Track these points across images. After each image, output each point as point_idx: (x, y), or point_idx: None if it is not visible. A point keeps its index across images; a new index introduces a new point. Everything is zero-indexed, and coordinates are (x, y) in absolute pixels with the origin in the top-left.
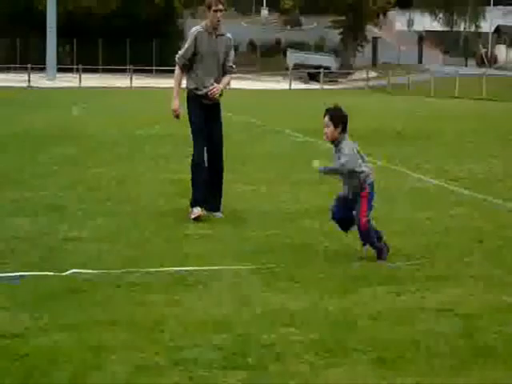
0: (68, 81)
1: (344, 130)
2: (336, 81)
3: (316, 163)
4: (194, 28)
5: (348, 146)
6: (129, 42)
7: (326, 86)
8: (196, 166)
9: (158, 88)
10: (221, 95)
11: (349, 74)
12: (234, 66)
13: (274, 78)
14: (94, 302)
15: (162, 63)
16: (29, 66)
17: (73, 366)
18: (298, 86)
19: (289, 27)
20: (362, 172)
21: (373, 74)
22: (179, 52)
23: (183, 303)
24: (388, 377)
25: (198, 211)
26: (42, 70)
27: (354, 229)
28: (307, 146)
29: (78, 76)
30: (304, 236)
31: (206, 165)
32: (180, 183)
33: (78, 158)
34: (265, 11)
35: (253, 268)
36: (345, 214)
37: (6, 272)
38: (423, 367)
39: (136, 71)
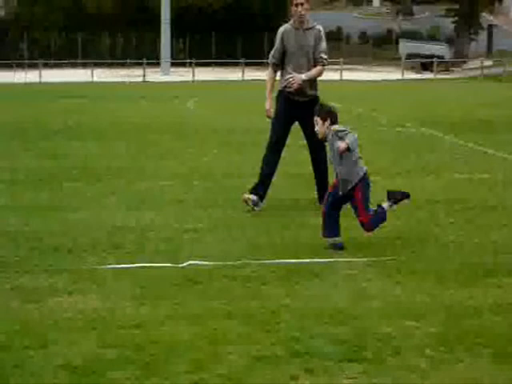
0: (181, 75)
1: (333, 124)
2: (449, 70)
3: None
4: (282, 27)
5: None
6: (241, 35)
7: (439, 76)
8: (265, 158)
9: None
10: (315, 89)
11: (463, 62)
12: (324, 57)
13: (386, 69)
14: (211, 294)
15: None
16: (144, 61)
17: (191, 357)
18: (410, 75)
19: (401, 17)
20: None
21: (488, 62)
22: (271, 52)
23: (299, 295)
24: (510, 373)
25: (252, 197)
26: (157, 64)
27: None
28: (418, 137)
29: (191, 70)
30: (417, 227)
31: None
32: (298, 177)
33: (191, 149)
34: (376, 1)
35: (368, 260)
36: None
37: (126, 263)
38: None
39: (248, 64)
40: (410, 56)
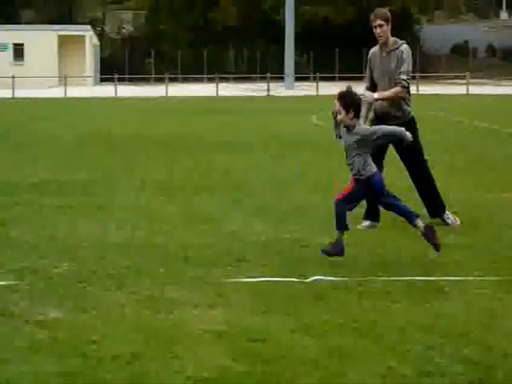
0: (305, 89)
1: (357, 116)
2: None
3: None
4: (370, 50)
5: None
6: (364, 49)
7: None
8: None
9: None
10: (401, 111)
11: None
12: (402, 77)
13: None
14: (337, 310)
15: None
16: (268, 75)
17: (319, 372)
18: None
19: None
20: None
21: None
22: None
23: (427, 313)
24: None
25: (364, 225)
26: (281, 78)
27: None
28: None
29: (315, 84)
30: None
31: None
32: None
33: (318, 163)
34: (504, 14)
35: (498, 279)
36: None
37: (250, 277)
38: None
39: None
40: None
